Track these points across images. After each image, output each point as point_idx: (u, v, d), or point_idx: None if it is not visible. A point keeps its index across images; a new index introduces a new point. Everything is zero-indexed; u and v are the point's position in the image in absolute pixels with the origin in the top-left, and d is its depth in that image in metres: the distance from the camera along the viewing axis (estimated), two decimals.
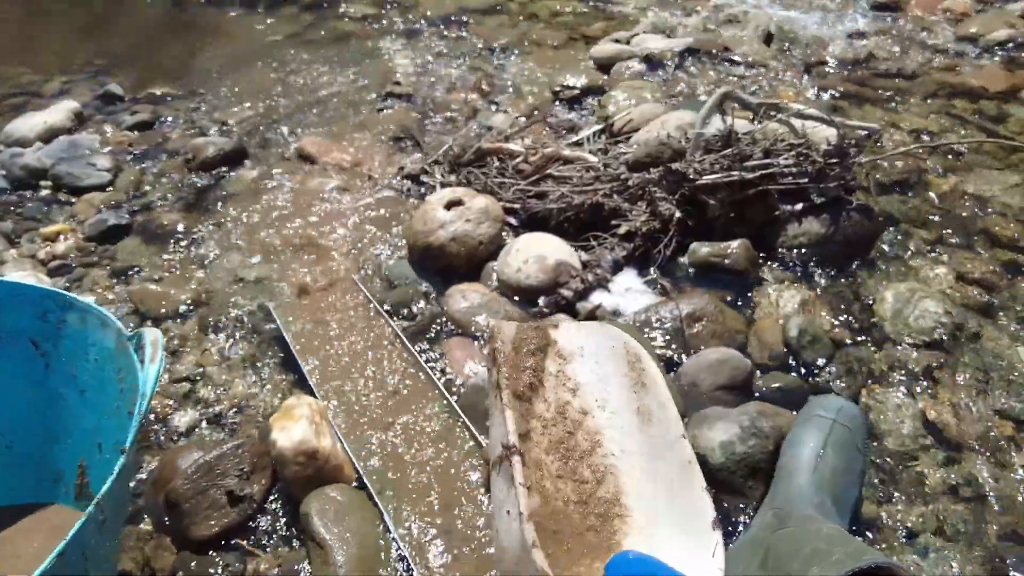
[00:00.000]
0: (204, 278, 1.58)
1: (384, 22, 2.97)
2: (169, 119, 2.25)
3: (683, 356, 1.33)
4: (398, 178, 1.90)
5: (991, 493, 1.11)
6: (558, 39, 2.77)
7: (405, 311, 1.47)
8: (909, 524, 1.07)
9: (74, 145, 2.03)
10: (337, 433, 1.18)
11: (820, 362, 1.33)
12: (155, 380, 0.90)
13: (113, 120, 2.23)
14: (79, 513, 1.07)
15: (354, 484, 1.12)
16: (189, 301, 1.51)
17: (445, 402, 1.23)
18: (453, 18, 2.97)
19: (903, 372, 1.32)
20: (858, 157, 1.60)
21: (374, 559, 1.00)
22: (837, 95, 2.28)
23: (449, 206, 1.59)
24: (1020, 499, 1.10)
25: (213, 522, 1.06)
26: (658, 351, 1.34)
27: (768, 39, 2.65)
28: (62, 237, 1.71)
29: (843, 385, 1.29)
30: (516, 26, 2.92)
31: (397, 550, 1.01)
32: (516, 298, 1.47)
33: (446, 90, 2.40)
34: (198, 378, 1.34)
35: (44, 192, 1.89)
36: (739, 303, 1.47)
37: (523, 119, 2.13)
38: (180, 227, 1.74)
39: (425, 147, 2.03)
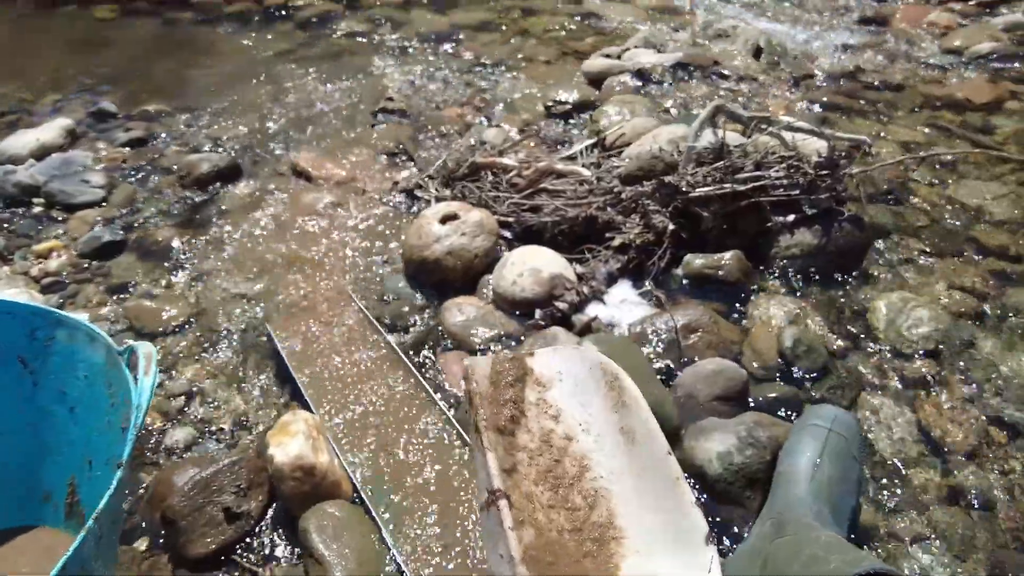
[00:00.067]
0: (199, 294, 1.58)
1: (377, 39, 2.99)
2: (163, 136, 2.25)
3: (679, 367, 1.33)
4: (392, 193, 1.91)
5: (988, 501, 1.12)
6: (549, 55, 2.80)
7: (401, 325, 1.48)
8: (907, 532, 1.08)
9: (67, 162, 2.03)
10: (334, 448, 1.17)
11: (815, 372, 1.33)
12: (150, 393, 0.89)
13: (106, 137, 2.23)
14: (67, 535, 1.06)
15: (352, 500, 1.12)
16: (184, 317, 1.50)
17: (442, 416, 1.23)
18: (445, 35, 3.00)
19: (897, 381, 1.33)
20: (849, 168, 1.62)
21: (373, 575, 1.00)
22: (826, 107, 2.32)
23: (444, 220, 1.59)
24: (1018, 507, 1.11)
25: (210, 539, 1.05)
26: (654, 362, 1.34)
27: (757, 53, 2.69)
28: (55, 254, 1.70)
29: (838, 395, 1.30)
30: (508, 42, 2.94)
31: (396, 566, 1.01)
32: (512, 311, 1.47)
33: (439, 106, 2.41)
34: (193, 394, 1.33)
35: (37, 209, 1.89)
36: (733, 314, 1.48)
37: (516, 134, 2.14)
38: (175, 243, 1.74)
39: (419, 162, 2.04)
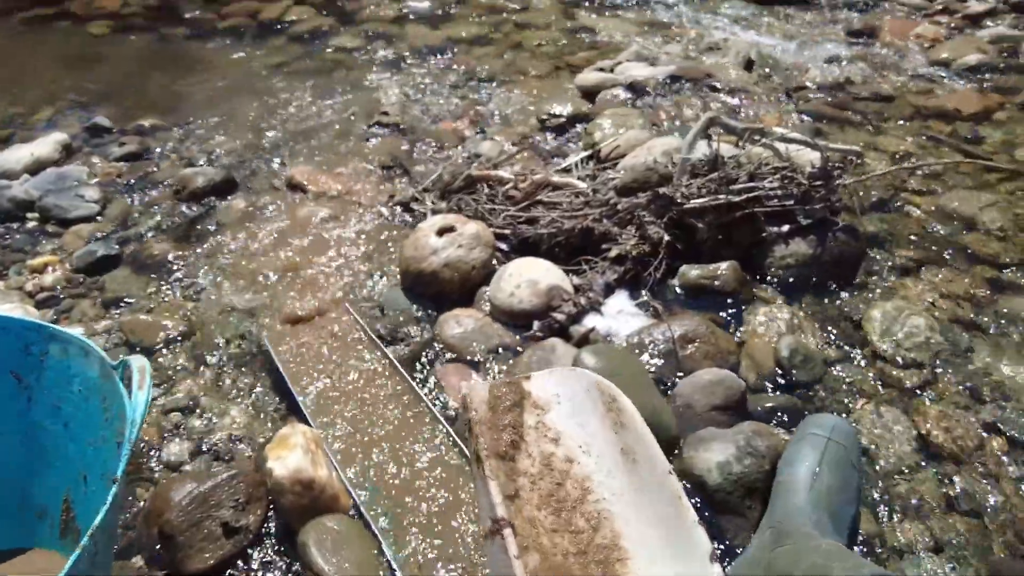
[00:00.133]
0: (195, 308, 1.57)
1: (370, 53, 3.01)
2: (158, 150, 2.25)
3: (677, 377, 1.33)
4: (388, 206, 1.91)
5: (986, 508, 1.12)
6: (543, 68, 2.82)
7: (398, 337, 1.47)
8: (906, 540, 1.08)
9: (62, 177, 2.03)
10: (333, 462, 1.17)
11: (812, 381, 1.34)
12: (144, 407, 0.89)
13: (101, 152, 2.23)
14: (62, 557, 1.05)
15: (351, 513, 1.11)
16: (180, 331, 1.50)
17: (441, 428, 1.23)
18: (439, 49, 3.02)
19: (894, 389, 1.33)
20: (842, 179, 1.64)
21: None
22: (818, 119, 2.34)
23: (441, 232, 1.60)
24: (1016, 514, 1.11)
25: (208, 554, 1.04)
26: (652, 373, 1.34)
27: (749, 66, 2.71)
28: (50, 269, 1.70)
29: (835, 403, 1.30)
30: (501, 56, 2.96)
31: None
32: (510, 323, 1.47)
33: (434, 119, 2.42)
34: (190, 408, 1.32)
35: (31, 224, 1.88)
36: (730, 324, 1.48)
37: (511, 147, 2.15)
38: (170, 257, 1.74)
39: (414, 175, 2.04)
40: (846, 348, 1.43)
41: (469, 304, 1.55)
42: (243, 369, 1.41)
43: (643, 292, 1.53)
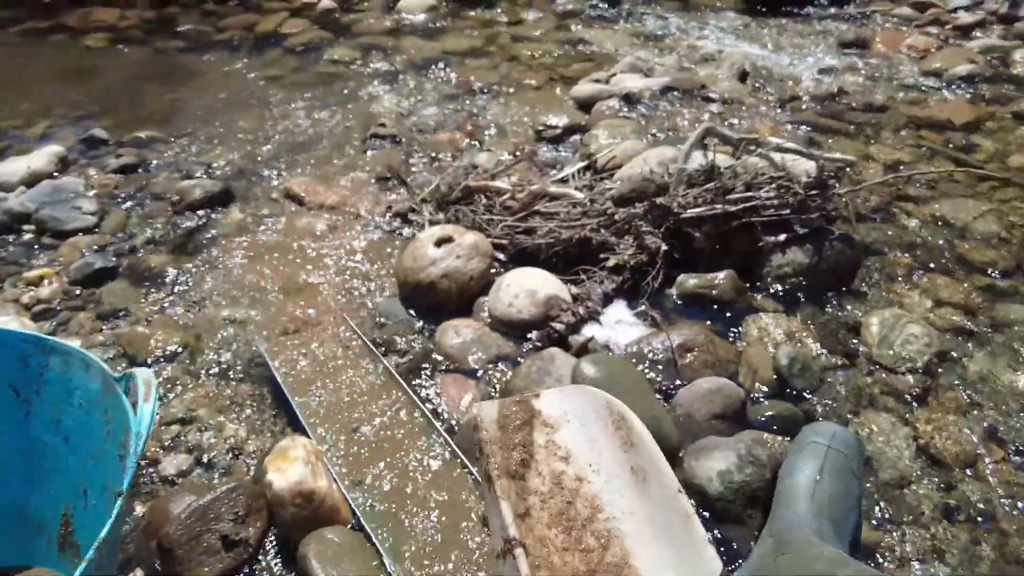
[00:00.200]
0: (193, 319, 1.57)
1: (367, 66, 3.02)
2: (154, 162, 2.25)
3: (677, 386, 1.34)
4: (386, 217, 1.92)
5: (986, 515, 1.12)
6: (538, 80, 2.84)
7: (397, 348, 1.47)
8: (908, 548, 1.08)
9: (58, 189, 2.02)
10: (332, 473, 1.16)
11: (811, 389, 1.34)
12: (151, 420, 0.89)
13: (98, 164, 2.22)
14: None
15: (351, 525, 1.11)
16: (178, 343, 1.49)
17: (441, 439, 1.22)
18: (435, 61, 3.04)
19: (893, 397, 1.34)
20: (838, 188, 1.65)
21: None
22: (812, 129, 2.36)
23: (439, 243, 1.60)
24: (1016, 522, 1.11)
25: (208, 568, 1.03)
26: (652, 382, 1.34)
27: (743, 77, 2.74)
28: (46, 281, 1.69)
29: (834, 411, 1.31)
30: (497, 68, 2.98)
31: None
32: (508, 332, 1.48)
33: (431, 130, 2.43)
34: (188, 421, 1.32)
35: (27, 236, 1.88)
36: (728, 333, 1.49)
37: (508, 157, 2.16)
38: (168, 269, 1.73)
39: (411, 186, 2.05)
40: (844, 356, 1.43)
41: (467, 314, 1.55)
42: (241, 381, 1.41)
43: (641, 301, 1.54)
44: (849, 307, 1.56)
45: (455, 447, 1.20)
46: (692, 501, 1.01)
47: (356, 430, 1.25)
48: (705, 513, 1.11)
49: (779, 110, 2.50)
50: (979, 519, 1.12)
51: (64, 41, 3.33)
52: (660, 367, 1.38)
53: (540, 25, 3.48)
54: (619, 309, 1.54)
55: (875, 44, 3.15)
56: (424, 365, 1.42)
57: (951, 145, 2.24)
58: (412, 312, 1.57)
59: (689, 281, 1.56)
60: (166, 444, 1.27)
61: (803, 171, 1.72)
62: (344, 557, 1.02)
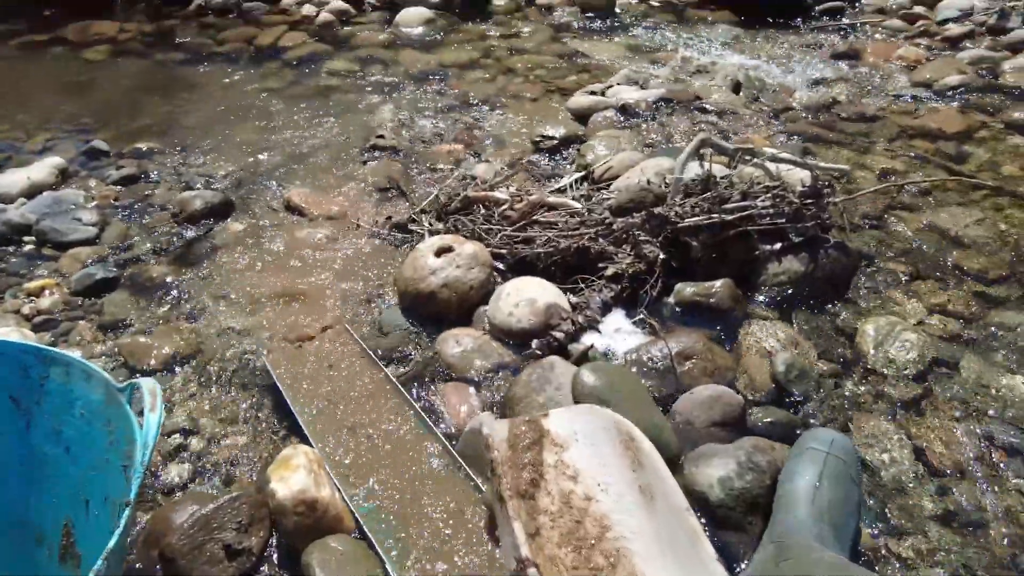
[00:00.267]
0: (194, 329, 1.57)
1: (365, 78, 3.04)
2: (155, 173, 2.26)
3: (676, 394, 1.35)
4: (386, 227, 1.93)
5: (983, 520, 1.13)
6: (535, 92, 2.86)
7: (398, 357, 1.48)
8: (907, 554, 1.09)
9: (58, 200, 2.03)
10: (335, 482, 1.17)
11: (808, 396, 1.36)
12: (157, 429, 0.89)
13: (98, 175, 2.23)
14: None
15: (354, 534, 1.11)
16: (179, 353, 1.50)
17: (443, 448, 1.23)
18: (433, 74, 3.06)
19: (889, 403, 1.35)
20: (832, 197, 1.67)
21: None
22: (806, 139, 2.39)
23: (439, 253, 1.61)
24: (1014, 527, 1.12)
25: None
26: (651, 390, 1.35)
27: (737, 88, 2.77)
28: (47, 292, 1.69)
29: (832, 418, 1.32)
30: (494, 80, 3.01)
31: None
32: (509, 341, 1.49)
33: (429, 142, 2.45)
34: (190, 431, 1.32)
35: (28, 248, 1.88)
36: (725, 340, 1.50)
37: (506, 168, 2.18)
38: (169, 279, 1.74)
39: (411, 197, 2.07)
40: (841, 363, 1.45)
41: (468, 323, 1.56)
42: (243, 390, 1.41)
43: (640, 310, 1.55)
44: (844, 314, 1.57)
45: (456, 455, 1.21)
46: (693, 510, 1.02)
47: (358, 439, 1.26)
48: (706, 520, 1.11)
49: (773, 120, 2.53)
50: (975, 524, 1.13)
51: (64, 54, 3.34)
52: (659, 375, 1.39)
53: (535, 38, 3.52)
54: (618, 318, 1.55)
55: (866, 55, 3.19)
56: (425, 374, 1.43)
57: (949, 155, 2.27)
58: (412, 321, 1.58)
59: (687, 290, 1.58)
60: (168, 453, 1.27)
61: (798, 180, 1.74)
62: (347, 566, 1.03)
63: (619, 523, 1.00)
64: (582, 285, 1.61)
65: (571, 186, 2.02)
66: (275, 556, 1.09)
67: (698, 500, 1.12)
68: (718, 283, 1.57)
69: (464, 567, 1.04)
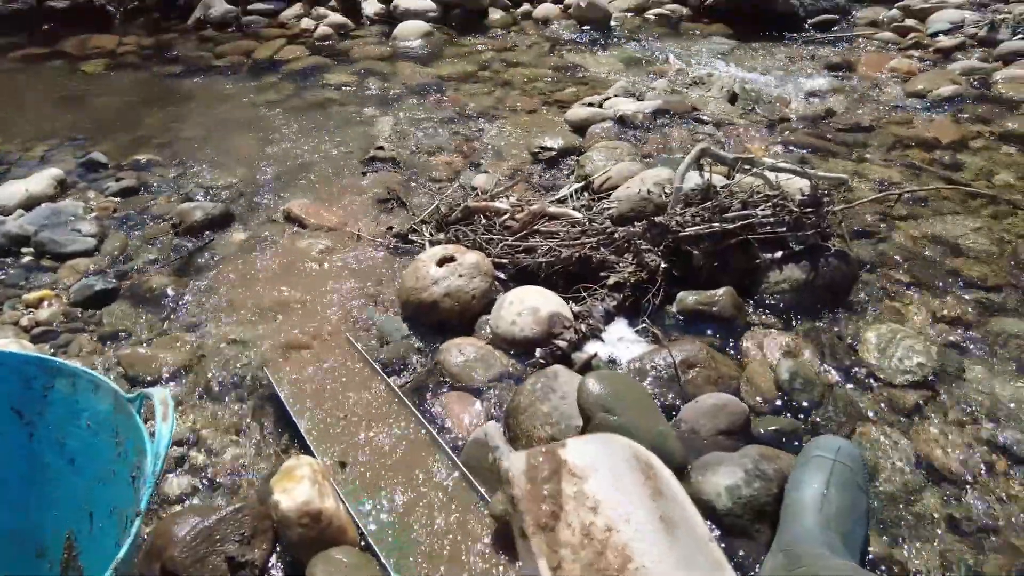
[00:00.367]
0: (195, 340, 1.56)
1: (364, 91, 3.05)
2: (154, 185, 2.26)
3: (680, 402, 1.34)
4: (386, 238, 1.93)
5: (991, 528, 1.13)
6: (533, 104, 2.88)
7: (400, 367, 1.47)
8: (915, 561, 1.08)
9: (57, 212, 2.02)
10: (339, 493, 1.16)
11: (813, 404, 1.36)
12: (169, 439, 0.88)
13: (97, 187, 2.23)
14: None
15: (359, 545, 1.10)
16: (180, 364, 1.49)
17: (447, 458, 1.22)
18: (431, 86, 3.08)
19: (893, 410, 1.35)
20: (832, 206, 1.68)
21: None
22: (802, 149, 2.41)
23: (441, 262, 1.61)
24: (1021, 533, 1.12)
25: None
26: (656, 398, 1.35)
27: (733, 99, 2.79)
28: (46, 303, 1.68)
29: (837, 425, 1.32)
30: (492, 92, 3.03)
31: None
32: (511, 350, 1.48)
33: (428, 153, 2.46)
34: (192, 442, 1.31)
35: (26, 259, 1.87)
36: (728, 348, 1.50)
37: (505, 179, 2.19)
38: (169, 290, 1.73)
39: (411, 207, 2.07)
40: (844, 371, 1.45)
41: (470, 333, 1.56)
42: (244, 401, 1.40)
43: (642, 319, 1.55)
44: (846, 322, 1.58)
45: (461, 466, 1.20)
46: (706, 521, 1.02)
47: (360, 449, 1.25)
48: (713, 528, 1.11)
49: (769, 131, 2.54)
50: (984, 531, 1.13)
51: (63, 67, 3.35)
52: (663, 383, 1.39)
53: (532, 51, 3.55)
54: (620, 326, 1.55)
55: (860, 67, 3.23)
56: (427, 383, 1.42)
57: (945, 164, 2.29)
58: (415, 331, 1.57)
59: (689, 298, 1.58)
60: (169, 465, 1.26)
61: (797, 189, 1.75)
62: None
63: (641, 553, 0.99)
64: (584, 294, 1.61)
65: (571, 196, 2.03)
66: (279, 568, 1.08)
67: (705, 508, 1.12)
68: (720, 291, 1.57)
69: None
